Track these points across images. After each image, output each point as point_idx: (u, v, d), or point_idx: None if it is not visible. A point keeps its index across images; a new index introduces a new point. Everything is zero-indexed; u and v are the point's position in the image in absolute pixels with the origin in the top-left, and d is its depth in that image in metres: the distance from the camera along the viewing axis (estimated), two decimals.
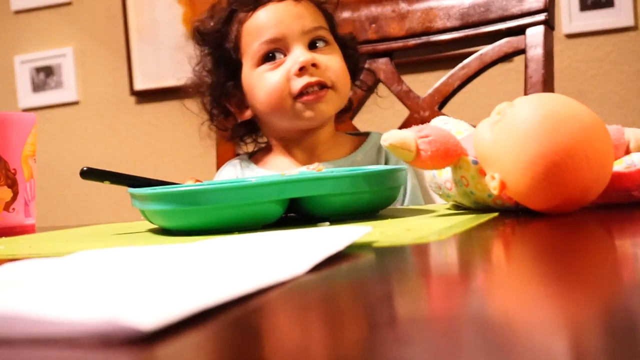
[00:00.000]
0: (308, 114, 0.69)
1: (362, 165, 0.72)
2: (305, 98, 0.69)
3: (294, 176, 0.45)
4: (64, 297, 0.22)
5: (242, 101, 0.75)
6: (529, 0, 0.77)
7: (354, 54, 0.77)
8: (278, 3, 0.71)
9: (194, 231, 0.43)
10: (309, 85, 0.68)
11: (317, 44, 0.71)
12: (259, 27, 0.70)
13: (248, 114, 0.75)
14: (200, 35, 0.74)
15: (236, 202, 0.42)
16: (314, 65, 0.68)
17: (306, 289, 0.24)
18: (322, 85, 0.69)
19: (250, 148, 0.82)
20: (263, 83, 0.70)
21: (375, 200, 0.45)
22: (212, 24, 0.73)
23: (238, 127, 0.77)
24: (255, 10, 0.71)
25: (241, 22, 0.72)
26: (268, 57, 0.70)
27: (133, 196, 0.47)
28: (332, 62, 0.70)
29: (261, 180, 0.45)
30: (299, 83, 0.68)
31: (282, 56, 0.70)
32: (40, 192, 0.79)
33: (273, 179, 0.44)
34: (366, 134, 0.78)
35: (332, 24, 0.75)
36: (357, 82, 0.78)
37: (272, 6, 0.71)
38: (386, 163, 0.73)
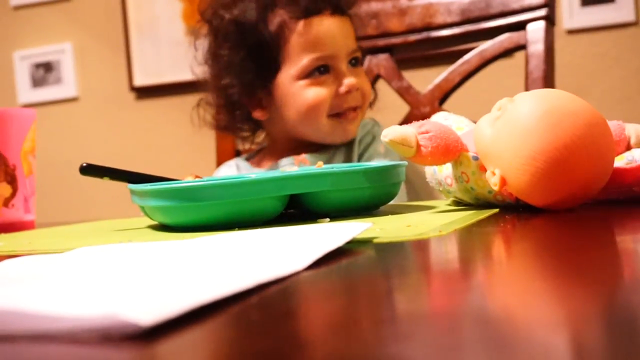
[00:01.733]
0: (340, 132, 0.72)
1: (339, 156, 0.74)
2: (342, 116, 0.72)
3: (294, 172, 0.45)
4: (63, 293, 0.22)
5: (261, 101, 0.74)
6: None
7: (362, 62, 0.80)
8: (329, 17, 0.72)
9: (193, 227, 0.43)
10: (354, 107, 0.72)
11: (354, 64, 0.73)
12: (312, 41, 0.71)
13: (262, 114, 0.75)
14: (236, 27, 0.71)
15: (236, 198, 0.42)
16: (357, 89, 0.71)
17: (306, 285, 0.24)
18: (356, 107, 0.73)
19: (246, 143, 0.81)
20: (306, 95, 0.71)
21: (375, 197, 0.45)
22: (249, 15, 0.71)
23: (243, 120, 0.77)
24: (307, 19, 0.70)
25: (289, 27, 0.71)
26: (314, 71, 0.71)
27: (133, 192, 0.47)
28: (366, 86, 0.74)
29: (261, 177, 0.45)
30: (344, 103, 0.71)
31: (327, 73, 0.71)
32: (39, 188, 0.79)
33: (272, 175, 0.44)
34: None
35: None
36: None
37: (325, 20, 0.71)
38: (363, 152, 0.75)
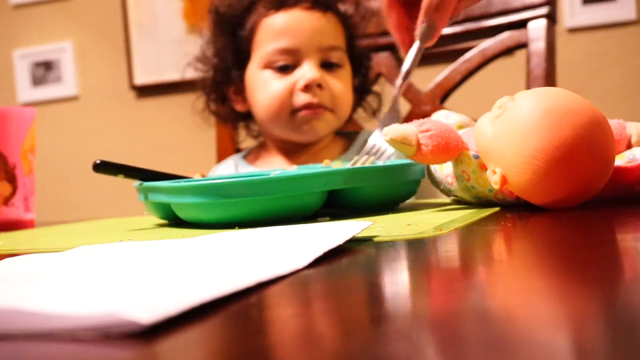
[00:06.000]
0: (303, 128, 0.70)
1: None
2: (303, 112, 0.70)
3: (338, 168, 0.46)
4: (63, 291, 0.22)
5: (242, 91, 0.74)
6: None
7: (366, 72, 0.77)
8: (304, 11, 0.70)
9: (230, 223, 0.42)
10: (310, 104, 0.69)
11: (331, 66, 0.71)
12: (277, 30, 0.70)
13: (241, 105, 0.75)
14: (217, 15, 0.73)
15: (278, 194, 0.41)
16: (319, 85, 0.69)
17: (306, 283, 0.24)
18: (321, 106, 0.70)
19: (243, 134, 0.82)
20: (266, 88, 0.70)
21: (404, 192, 0.47)
22: (232, 7, 0.73)
23: (233, 112, 0.77)
24: (279, 10, 0.70)
25: (261, 16, 0.71)
26: (276, 65, 0.70)
27: (153, 190, 0.47)
28: (336, 87, 0.71)
29: (306, 172, 0.44)
30: (301, 99, 0.69)
31: (291, 66, 0.70)
32: (39, 187, 0.79)
33: (317, 171, 0.44)
34: (356, 134, 0.78)
35: (351, 39, 0.74)
36: (363, 103, 0.78)
37: (297, 13, 0.70)
38: None
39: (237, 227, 0.41)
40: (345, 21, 0.73)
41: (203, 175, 0.56)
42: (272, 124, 0.72)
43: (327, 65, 0.71)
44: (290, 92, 0.69)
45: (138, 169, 0.51)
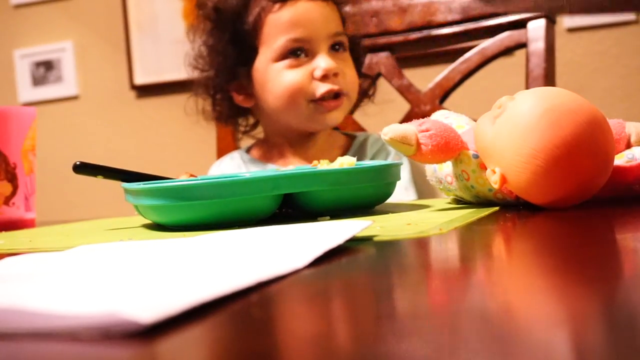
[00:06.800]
0: (321, 118, 0.71)
1: None
2: (323, 103, 0.70)
3: (288, 172, 0.45)
4: (64, 291, 0.22)
5: (245, 87, 0.74)
6: None
7: (359, 51, 0.78)
8: (307, 1, 0.71)
9: (186, 226, 0.42)
10: (330, 92, 0.70)
11: (337, 48, 0.72)
12: (287, 23, 0.70)
13: (246, 101, 0.75)
14: (217, 13, 0.73)
15: (229, 197, 0.41)
16: (335, 74, 0.70)
17: (306, 283, 0.24)
18: (338, 94, 0.71)
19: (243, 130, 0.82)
20: (282, 79, 0.70)
21: (369, 196, 0.45)
22: (228, 2, 0.72)
23: (233, 109, 0.77)
24: (283, 3, 0.70)
25: (265, 11, 0.71)
26: (290, 54, 0.70)
27: (126, 191, 0.47)
28: (349, 71, 0.72)
29: (255, 176, 0.44)
30: (322, 88, 0.70)
31: (304, 56, 0.70)
32: (40, 186, 0.79)
33: (267, 174, 0.44)
34: (355, 136, 0.78)
35: (344, 24, 0.75)
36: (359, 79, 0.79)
37: (303, 4, 0.71)
38: None
39: (236, 227, 0.41)
40: (339, 6, 0.75)
41: (193, 176, 0.56)
42: (286, 113, 0.72)
43: (334, 49, 0.72)
44: (309, 81, 0.70)
45: (117, 170, 0.51)
